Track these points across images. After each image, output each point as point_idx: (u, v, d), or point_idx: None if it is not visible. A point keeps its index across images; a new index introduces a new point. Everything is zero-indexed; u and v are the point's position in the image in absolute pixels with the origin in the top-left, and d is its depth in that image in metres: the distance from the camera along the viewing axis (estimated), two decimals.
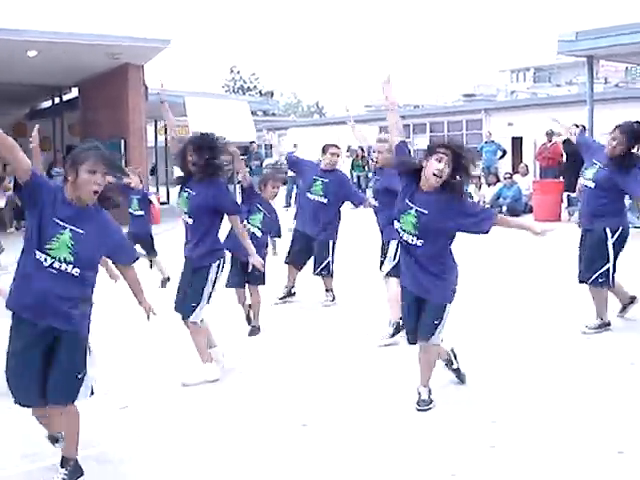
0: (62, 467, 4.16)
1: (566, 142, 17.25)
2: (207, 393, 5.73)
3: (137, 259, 4.47)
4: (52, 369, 3.99)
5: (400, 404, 5.27)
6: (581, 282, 7.17)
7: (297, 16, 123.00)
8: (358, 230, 11.23)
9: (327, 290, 8.73)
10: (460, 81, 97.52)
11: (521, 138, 27.93)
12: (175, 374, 6.02)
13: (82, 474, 4.20)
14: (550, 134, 18.52)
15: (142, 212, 9.81)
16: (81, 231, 3.98)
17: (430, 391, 5.27)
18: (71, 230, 3.95)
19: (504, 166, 23.00)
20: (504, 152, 22.55)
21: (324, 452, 4.56)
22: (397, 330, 6.80)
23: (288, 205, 20.99)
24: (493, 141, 22.82)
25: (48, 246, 3.91)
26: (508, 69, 63.16)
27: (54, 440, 4.46)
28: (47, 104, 24.58)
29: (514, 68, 62.62)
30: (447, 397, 5.38)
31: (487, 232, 4.92)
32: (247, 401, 5.54)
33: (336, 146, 8.58)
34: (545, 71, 59.68)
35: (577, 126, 16.86)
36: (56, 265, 3.92)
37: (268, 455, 4.55)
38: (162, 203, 21.03)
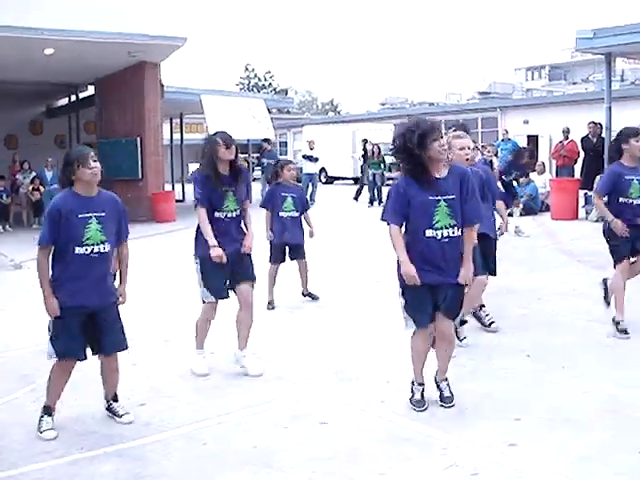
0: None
1: (584, 139, 17.15)
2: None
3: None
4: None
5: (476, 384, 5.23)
6: None
7: (311, 13, 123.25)
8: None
9: None
10: (475, 79, 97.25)
11: (537, 136, 27.81)
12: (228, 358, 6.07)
13: None
14: (566, 132, 18.42)
15: None
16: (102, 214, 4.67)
17: None
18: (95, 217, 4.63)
19: None
20: None
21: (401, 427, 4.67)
22: None
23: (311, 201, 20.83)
24: (510, 139, 22.71)
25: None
26: (524, 67, 63.07)
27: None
28: (63, 102, 24.67)
29: (530, 66, 62.54)
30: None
31: None
32: (322, 377, 5.74)
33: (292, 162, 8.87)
34: (561, 69, 59.53)
35: (595, 124, 16.88)
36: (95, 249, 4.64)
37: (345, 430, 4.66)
38: (177, 201, 21.03)
